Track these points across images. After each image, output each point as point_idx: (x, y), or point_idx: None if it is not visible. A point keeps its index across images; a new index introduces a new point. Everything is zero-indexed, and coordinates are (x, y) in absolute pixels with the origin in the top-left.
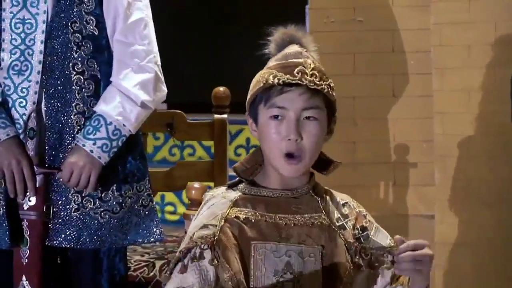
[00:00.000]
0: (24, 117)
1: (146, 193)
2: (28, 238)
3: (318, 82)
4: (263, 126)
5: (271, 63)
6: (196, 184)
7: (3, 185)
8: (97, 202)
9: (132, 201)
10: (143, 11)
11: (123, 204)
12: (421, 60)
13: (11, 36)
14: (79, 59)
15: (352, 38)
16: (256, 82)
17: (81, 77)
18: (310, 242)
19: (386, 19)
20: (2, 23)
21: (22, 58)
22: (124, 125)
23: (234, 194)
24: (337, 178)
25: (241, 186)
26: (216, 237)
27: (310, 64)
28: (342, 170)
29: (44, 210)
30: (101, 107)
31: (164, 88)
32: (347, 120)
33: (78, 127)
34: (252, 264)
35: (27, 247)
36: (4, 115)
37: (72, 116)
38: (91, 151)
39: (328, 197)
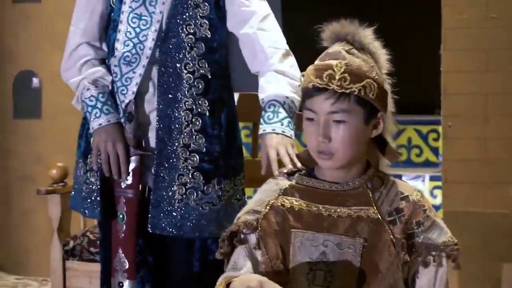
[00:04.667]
0: (123, 104)
1: (241, 187)
2: (124, 214)
3: (346, 86)
4: (303, 124)
5: (316, 61)
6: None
7: (99, 164)
8: (199, 194)
9: (229, 195)
10: (268, 8)
11: (221, 197)
12: None
13: (127, 28)
14: (191, 59)
15: (485, 34)
16: (302, 82)
17: (192, 76)
18: (352, 234)
19: None
20: (121, 15)
21: (133, 51)
22: (293, 102)
23: (287, 183)
24: (468, 175)
25: (296, 175)
26: (259, 223)
27: (341, 67)
28: (473, 167)
29: (140, 189)
30: (271, 92)
31: None
32: (478, 116)
33: (186, 123)
34: (291, 251)
35: (124, 222)
36: (110, 102)
37: (181, 112)
38: (283, 131)
39: (385, 190)
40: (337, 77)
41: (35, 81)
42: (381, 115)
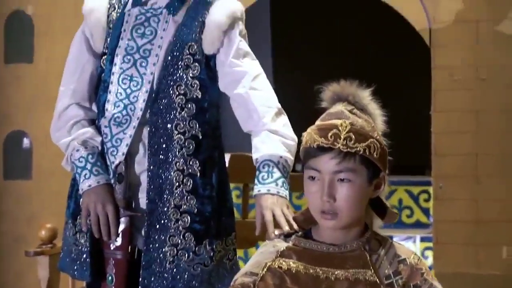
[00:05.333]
0: (113, 165)
1: (232, 247)
2: (113, 276)
3: (352, 145)
4: (304, 184)
5: (317, 121)
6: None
7: (89, 225)
8: (191, 255)
9: (221, 255)
10: (260, 68)
11: (213, 258)
12: None
13: (117, 90)
14: (182, 119)
15: (475, 96)
16: (302, 141)
17: (182, 136)
18: None
19: (510, 77)
20: (111, 76)
21: (124, 112)
22: (287, 162)
23: (284, 245)
24: (460, 236)
25: (293, 237)
26: (256, 285)
27: (346, 127)
28: (465, 228)
29: (129, 250)
30: (265, 152)
31: None
32: (469, 177)
33: (177, 184)
34: None
35: (112, 284)
36: (99, 163)
37: (172, 173)
38: (278, 192)
39: (383, 252)
40: (342, 137)
41: (26, 141)
42: (383, 175)
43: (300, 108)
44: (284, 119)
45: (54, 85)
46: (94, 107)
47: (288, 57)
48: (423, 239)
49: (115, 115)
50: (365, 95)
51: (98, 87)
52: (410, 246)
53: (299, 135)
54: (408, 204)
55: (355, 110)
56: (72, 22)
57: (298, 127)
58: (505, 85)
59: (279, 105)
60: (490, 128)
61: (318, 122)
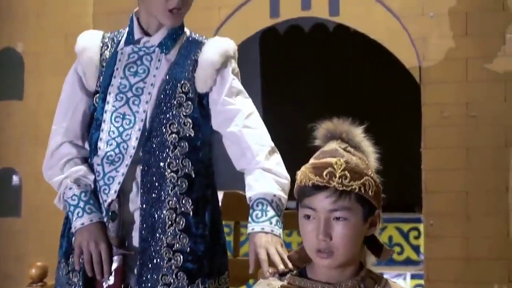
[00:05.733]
0: (105, 203)
1: (225, 286)
2: None
3: (347, 183)
4: (300, 223)
5: (311, 160)
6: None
7: (82, 263)
8: None
9: None
10: (253, 106)
11: None
12: None
13: (110, 128)
14: (174, 158)
15: (465, 132)
16: (297, 180)
17: (175, 175)
18: None
19: (499, 114)
20: (104, 114)
21: (117, 150)
22: (280, 200)
23: (279, 283)
24: (451, 273)
25: (288, 276)
26: None
27: (341, 165)
28: (455, 265)
29: None
30: (259, 191)
31: None
32: (460, 215)
33: (169, 222)
34: None
35: None
36: (92, 201)
37: (164, 211)
38: (272, 230)
39: None
40: (337, 175)
41: (15, 178)
42: (378, 212)
43: (289, 143)
44: (278, 157)
45: (44, 122)
46: (86, 145)
47: (278, 93)
48: (413, 276)
49: (108, 153)
50: (358, 133)
51: (90, 125)
52: (400, 283)
53: (288, 170)
54: (398, 241)
55: (349, 148)
56: (62, 59)
57: (286, 161)
58: (495, 123)
59: (272, 144)
60: (481, 165)
61: (312, 161)
